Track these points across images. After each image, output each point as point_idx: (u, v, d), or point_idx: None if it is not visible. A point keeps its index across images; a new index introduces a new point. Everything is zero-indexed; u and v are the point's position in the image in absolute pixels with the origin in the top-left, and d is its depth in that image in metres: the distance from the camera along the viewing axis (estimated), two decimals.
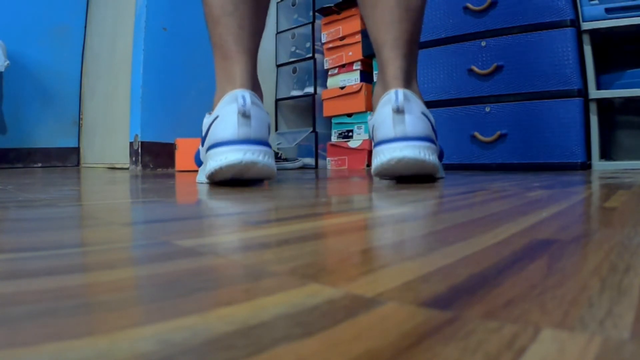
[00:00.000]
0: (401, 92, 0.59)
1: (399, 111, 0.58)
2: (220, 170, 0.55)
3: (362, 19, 1.66)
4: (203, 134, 0.64)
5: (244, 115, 0.56)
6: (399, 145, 0.58)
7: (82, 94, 2.07)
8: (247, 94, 0.57)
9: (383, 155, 0.59)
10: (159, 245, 0.19)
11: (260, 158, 0.56)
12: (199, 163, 0.73)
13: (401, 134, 0.58)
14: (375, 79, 1.67)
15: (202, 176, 0.67)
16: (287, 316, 0.10)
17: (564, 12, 1.15)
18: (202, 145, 0.65)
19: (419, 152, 0.57)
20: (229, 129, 0.56)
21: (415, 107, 0.60)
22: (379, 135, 0.61)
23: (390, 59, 0.64)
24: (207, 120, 0.63)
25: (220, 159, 0.55)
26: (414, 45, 0.66)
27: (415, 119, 0.59)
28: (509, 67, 1.22)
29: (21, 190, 0.52)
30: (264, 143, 0.58)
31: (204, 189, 0.55)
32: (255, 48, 0.65)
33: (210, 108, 0.69)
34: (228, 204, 0.37)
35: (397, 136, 0.58)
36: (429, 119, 0.62)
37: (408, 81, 0.64)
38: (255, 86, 0.63)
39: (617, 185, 0.52)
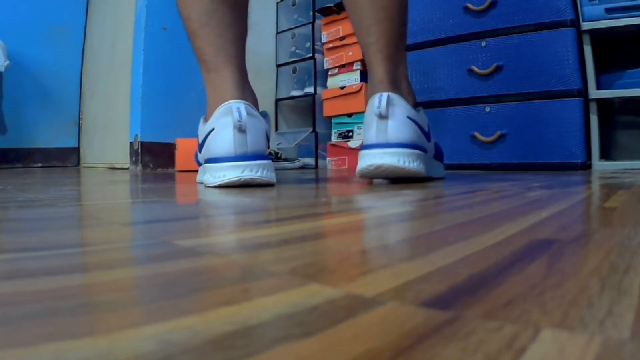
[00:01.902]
0: (385, 96, 0.59)
1: (381, 117, 0.59)
2: (219, 187, 0.56)
3: None
4: (200, 140, 0.64)
5: (240, 130, 0.56)
6: (379, 151, 0.59)
7: (82, 94, 2.07)
8: (242, 106, 0.57)
9: (364, 161, 0.60)
10: (159, 245, 0.19)
11: (259, 174, 0.56)
12: (199, 163, 0.73)
13: (383, 140, 0.59)
14: None
15: (202, 176, 0.68)
16: (287, 316, 0.10)
17: (564, 12, 1.15)
18: (200, 151, 0.65)
19: (398, 160, 0.58)
20: (225, 144, 0.56)
21: (400, 111, 0.60)
22: (364, 138, 0.62)
23: (374, 63, 0.63)
24: (202, 128, 0.63)
25: (218, 175, 0.56)
26: (399, 43, 0.64)
27: (399, 124, 0.59)
28: (509, 67, 1.22)
29: (21, 190, 0.52)
30: (262, 156, 0.57)
31: (204, 189, 0.55)
32: (239, 54, 0.63)
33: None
34: (228, 204, 0.37)
35: (378, 142, 0.59)
36: (416, 123, 0.62)
37: (395, 83, 0.63)
38: (247, 93, 0.62)
39: (617, 185, 0.52)
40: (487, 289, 0.12)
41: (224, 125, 0.57)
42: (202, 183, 0.65)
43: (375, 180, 0.69)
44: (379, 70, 0.63)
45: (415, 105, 0.67)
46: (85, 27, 2.06)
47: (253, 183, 0.56)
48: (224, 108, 0.57)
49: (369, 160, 0.59)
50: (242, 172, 0.55)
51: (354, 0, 0.63)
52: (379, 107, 0.59)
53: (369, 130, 0.60)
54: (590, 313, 0.10)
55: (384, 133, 0.59)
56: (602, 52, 1.28)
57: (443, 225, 0.24)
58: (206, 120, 0.64)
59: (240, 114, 0.56)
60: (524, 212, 0.29)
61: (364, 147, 0.61)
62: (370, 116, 0.60)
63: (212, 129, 0.58)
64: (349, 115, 1.72)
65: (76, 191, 0.53)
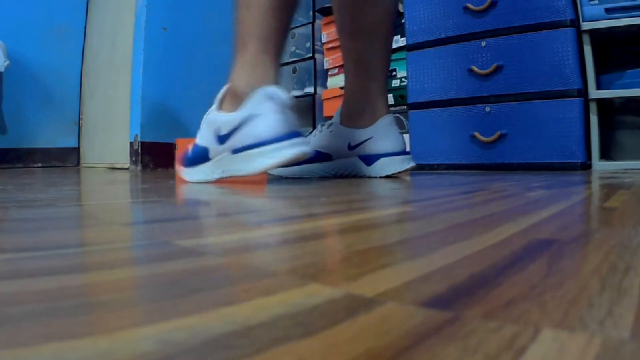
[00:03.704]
0: (401, 117, 0.89)
1: (404, 132, 0.85)
2: (275, 164, 0.59)
3: None
4: (222, 132, 0.62)
5: (285, 111, 0.60)
6: (406, 157, 0.81)
7: (82, 94, 2.07)
8: (280, 90, 0.60)
9: (392, 166, 0.80)
10: (159, 245, 0.19)
11: (306, 148, 0.61)
12: (193, 161, 0.70)
13: (403, 147, 0.82)
14: None
15: (200, 174, 0.67)
16: (287, 316, 0.10)
17: (564, 12, 1.15)
18: (221, 142, 0.63)
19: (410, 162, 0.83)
20: (275, 126, 0.59)
21: None
22: (380, 147, 0.81)
23: (381, 93, 0.84)
24: (229, 118, 0.62)
25: (275, 155, 0.58)
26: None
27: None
28: (509, 67, 1.22)
29: (21, 190, 0.52)
30: (302, 133, 0.63)
31: (204, 189, 0.55)
32: (284, 46, 0.68)
33: (213, 107, 0.68)
34: (228, 204, 0.37)
35: (403, 149, 0.82)
36: None
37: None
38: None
39: (617, 185, 0.52)
40: (487, 289, 0.12)
41: (269, 110, 0.59)
42: (201, 182, 0.65)
43: (378, 180, 0.69)
44: (384, 98, 0.85)
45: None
46: (85, 27, 2.06)
47: (302, 157, 0.61)
48: (264, 94, 0.60)
49: (396, 165, 0.81)
50: (295, 148, 0.59)
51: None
52: (404, 128, 0.88)
53: (393, 140, 0.81)
54: (590, 313, 0.10)
55: (403, 143, 0.82)
56: (602, 52, 1.28)
57: (443, 225, 0.24)
58: (228, 101, 0.63)
59: (283, 96, 0.60)
60: (524, 212, 0.29)
61: (385, 154, 0.81)
62: (394, 130, 0.82)
63: (254, 115, 0.59)
64: None
65: (76, 191, 0.53)
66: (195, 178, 0.68)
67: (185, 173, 0.70)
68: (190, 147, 0.71)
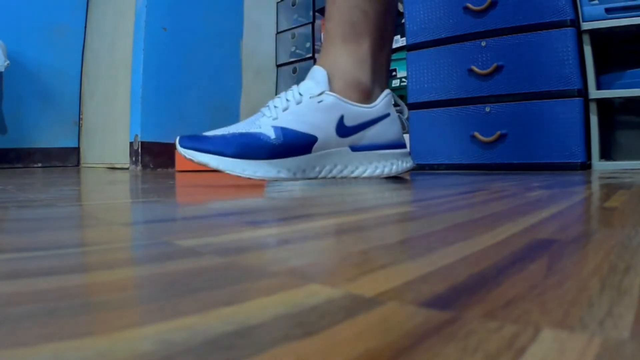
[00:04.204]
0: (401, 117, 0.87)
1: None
2: (402, 170, 0.63)
3: None
4: (349, 123, 0.55)
5: None
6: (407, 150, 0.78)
7: (82, 94, 2.07)
8: None
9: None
10: (159, 245, 0.19)
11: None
12: (282, 151, 0.53)
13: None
14: None
15: (282, 169, 0.52)
16: (287, 316, 0.10)
17: (564, 12, 1.15)
18: (342, 134, 0.54)
19: None
20: (400, 131, 0.61)
21: None
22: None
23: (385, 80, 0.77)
24: (363, 110, 0.56)
25: (404, 160, 0.61)
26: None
27: None
28: (509, 67, 1.22)
29: (21, 190, 0.52)
30: None
31: (203, 189, 0.55)
32: None
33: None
34: (228, 204, 0.37)
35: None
36: None
37: None
38: None
39: (617, 185, 0.52)
40: (487, 289, 0.12)
41: (396, 114, 0.60)
42: (270, 179, 0.55)
43: (378, 180, 0.70)
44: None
45: None
46: (85, 27, 2.06)
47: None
48: (392, 96, 0.61)
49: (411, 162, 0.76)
50: (410, 157, 0.64)
51: None
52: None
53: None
54: (590, 313, 0.10)
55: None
56: (602, 52, 1.27)
57: (443, 225, 0.24)
58: (344, 90, 0.55)
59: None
60: (524, 212, 0.29)
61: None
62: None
63: (385, 115, 0.59)
64: None
65: (76, 191, 0.53)
66: (275, 174, 0.52)
67: (255, 168, 0.53)
68: (270, 133, 0.52)
